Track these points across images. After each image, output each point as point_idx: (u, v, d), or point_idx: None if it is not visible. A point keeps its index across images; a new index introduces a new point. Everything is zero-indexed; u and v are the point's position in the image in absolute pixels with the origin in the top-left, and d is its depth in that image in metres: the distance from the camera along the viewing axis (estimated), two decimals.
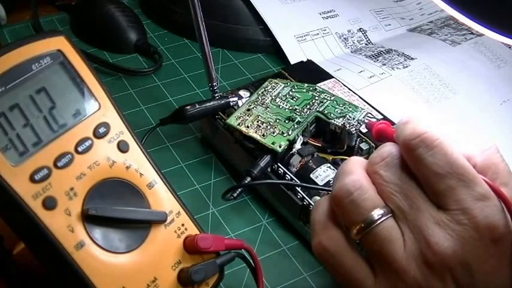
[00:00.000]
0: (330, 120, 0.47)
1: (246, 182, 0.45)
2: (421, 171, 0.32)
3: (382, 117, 0.51)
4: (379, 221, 0.32)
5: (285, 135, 0.46)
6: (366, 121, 0.46)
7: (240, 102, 0.50)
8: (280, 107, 0.49)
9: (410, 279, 0.31)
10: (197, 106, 0.49)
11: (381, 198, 0.33)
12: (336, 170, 0.45)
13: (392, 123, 0.40)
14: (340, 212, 0.33)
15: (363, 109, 0.48)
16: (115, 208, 0.35)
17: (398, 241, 0.31)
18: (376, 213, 0.32)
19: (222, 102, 0.50)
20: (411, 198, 0.32)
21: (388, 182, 0.32)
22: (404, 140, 0.32)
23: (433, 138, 0.31)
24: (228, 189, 0.45)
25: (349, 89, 0.54)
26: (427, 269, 0.31)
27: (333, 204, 0.34)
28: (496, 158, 0.33)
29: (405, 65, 0.61)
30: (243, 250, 0.40)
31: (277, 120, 0.48)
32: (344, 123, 0.47)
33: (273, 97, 0.50)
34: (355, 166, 0.34)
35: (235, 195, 0.45)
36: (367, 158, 0.35)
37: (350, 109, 0.48)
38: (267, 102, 0.49)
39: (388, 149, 0.33)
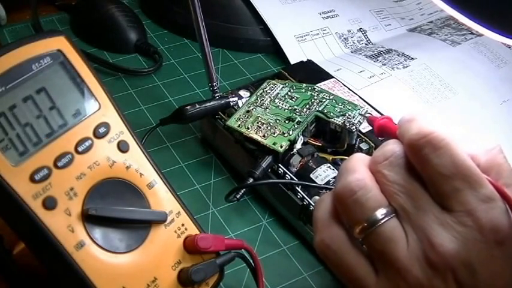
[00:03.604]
0: (330, 119, 0.47)
1: (249, 182, 0.45)
2: (426, 171, 0.31)
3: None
4: (382, 221, 0.32)
5: (285, 135, 0.46)
6: (367, 117, 0.46)
7: (240, 102, 0.50)
8: (280, 107, 0.49)
9: (413, 279, 0.31)
10: (197, 106, 0.49)
11: (384, 198, 0.32)
12: (335, 170, 0.45)
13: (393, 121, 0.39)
14: (343, 211, 0.33)
15: (362, 107, 0.48)
16: (115, 208, 0.35)
17: (401, 241, 0.31)
18: (380, 212, 0.32)
19: (222, 102, 0.50)
20: (415, 198, 0.32)
21: (391, 181, 0.32)
22: (409, 139, 0.32)
23: (439, 139, 0.31)
24: (231, 191, 0.45)
25: (349, 89, 0.54)
26: (429, 270, 0.31)
27: (335, 202, 0.34)
28: (499, 159, 0.33)
29: (405, 65, 0.61)
30: (243, 250, 0.40)
31: (277, 121, 0.48)
32: (344, 121, 0.47)
33: (272, 98, 0.50)
34: (359, 164, 0.34)
35: (238, 196, 0.45)
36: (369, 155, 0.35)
37: (349, 108, 0.48)
38: (266, 103, 0.49)
39: (392, 147, 0.33)
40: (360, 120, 0.47)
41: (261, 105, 0.49)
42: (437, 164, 0.31)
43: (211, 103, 0.50)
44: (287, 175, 0.45)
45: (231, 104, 0.50)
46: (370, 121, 0.40)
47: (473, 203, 0.30)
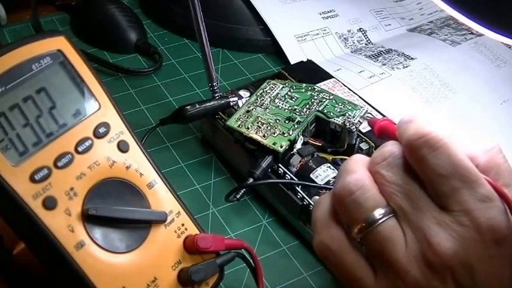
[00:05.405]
0: (330, 119, 0.47)
1: (249, 182, 0.45)
2: (424, 172, 0.31)
3: (382, 117, 0.51)
4: (380, 221, 0.32)
5: (285, 135, 0.46)
6: (367, 119, 0.46)
7: (240, 102, 0.50)
8: (280, 107, 0.49)
9: (411, 279, 0.31)
10: (197, 106, 0.49)
11: (383, 198, 0.32)
12: (335, 170, 0.45)
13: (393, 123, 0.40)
14: (342, 211, 0.33)
15: (362, 107, 0.48)
16: (115, 208, 0.35)
17: (399, 241, 0.31)
18: (378, 212, 0.32)
19: (222, 102, 0.50)
20: (413, 198, 0.32)
21: (389, 182, 0.32)
22: (407, 140, 0.32)
23: (437, 139, 0.31)
24: (231, 191, 0.45)
25: (349, 89, 0.54)
26: (428, 270, 0.31)
27: (334, 203, 0.34)
28: (499, 159, 0.33)
29: (405, 65, 0.61)
30: (243, 250, 0.40)
31: (277, 121, 0.48)
32: (344, 121, 0.47)
33: (272, 98, 0.50)
34: (358, 164, 0.34)
35: (238, 196, 0.45)
36: (368, 156, 0.35)
37: (349, 107, 0.48)
38: (266, 103, 0.49)
39: (390, 148, 0.33)
40: (360, 120, 0.47)
41: (261, 105, 0.49)
42: (434, 164, 0.31)
43: (211, 103, 0.50)
44: (287, 175, 0.45)
45: (231, 104, 0.50)
46: (370, 123, 0.40)
47: (470, 202, 0.30)
